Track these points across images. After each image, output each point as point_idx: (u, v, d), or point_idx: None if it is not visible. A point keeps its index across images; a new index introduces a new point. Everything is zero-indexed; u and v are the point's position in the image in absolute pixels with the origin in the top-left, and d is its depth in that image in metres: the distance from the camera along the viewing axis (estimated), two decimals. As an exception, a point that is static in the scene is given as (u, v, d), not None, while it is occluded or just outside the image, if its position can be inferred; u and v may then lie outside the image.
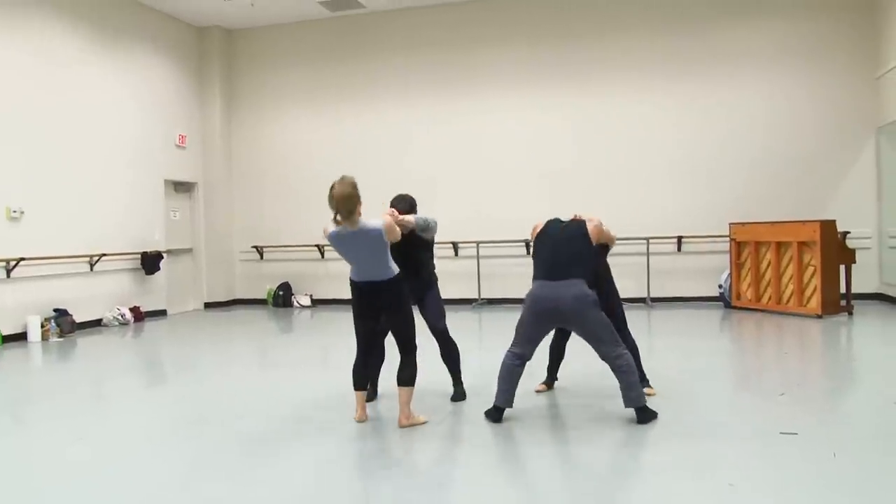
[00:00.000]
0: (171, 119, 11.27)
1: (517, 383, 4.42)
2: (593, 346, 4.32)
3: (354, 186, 4.08)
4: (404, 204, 4.82)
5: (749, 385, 5.42)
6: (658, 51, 10.58)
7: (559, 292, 4.18)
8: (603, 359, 4.30)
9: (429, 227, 4.71)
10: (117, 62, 10.25)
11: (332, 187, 4.07)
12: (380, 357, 4.97)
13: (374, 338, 4.48)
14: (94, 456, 3.98)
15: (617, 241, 5.14)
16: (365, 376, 4.46)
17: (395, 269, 4.30)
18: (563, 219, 4.56)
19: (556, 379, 5.23)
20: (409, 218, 4.62)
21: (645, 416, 4.26)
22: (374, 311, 4.32)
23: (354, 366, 4.44)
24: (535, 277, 4.36)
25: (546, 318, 4.32)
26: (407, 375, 4.36)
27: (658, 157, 10.59)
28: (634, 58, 10.65)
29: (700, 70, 10.47)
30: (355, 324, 4.40)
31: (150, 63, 10.89)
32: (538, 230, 4.53)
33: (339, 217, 4.07)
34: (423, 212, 4.96)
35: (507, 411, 4.44)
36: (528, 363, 4.46)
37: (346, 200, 4.04)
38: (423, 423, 4.41)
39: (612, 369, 4.28)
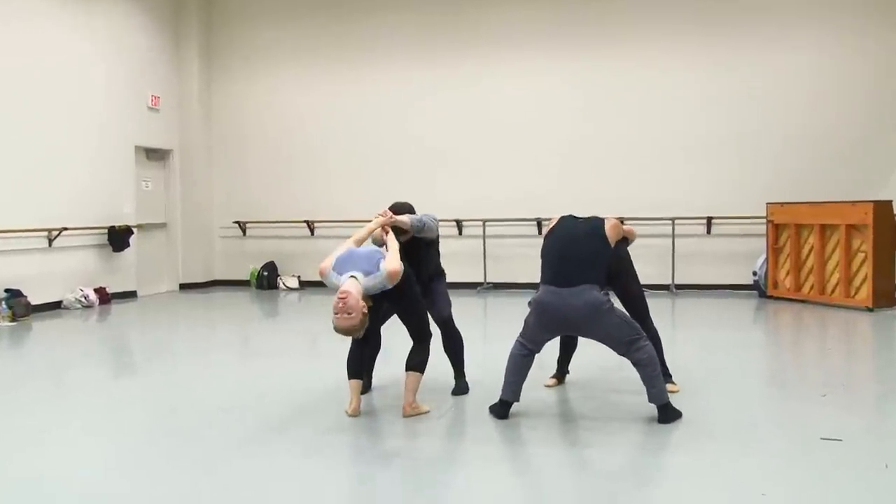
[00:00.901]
0: (142, 78, 11.19)
1: (525, 376, 4.42)
2: (611, 348, 4.31)
3: (354, 314, 4.04)
4: (401, 209, 4.83)
5: (786, 384, 5.40)
6: (686, 7, 10.45)
7: (568, 301, 4.14)
8: (622, 356, 4.30)
9: (425, 228, 4.73)
10: (79, 15, 10.15)
11: (333, 323, 4.09)
12: (375, 346, 5.00)
13: (371, 324, 4.47)
14: (54, 456, 3.97)
15: (638, 230, 5.09)
16: (360, 365, 4.53)
17: (402, 269, 4.34)
18: (578, 216, 4.53)
19: (568, 372, 5.22)
20: (403, 218, 4.65)
21: (667, 414, 4.24)
22: (375, 299, 4.33)
23: (349, 354, 4.50)
24: (542, 281, 4.31)
25: (554, 327, 4.33)
26: (418, 361, 4.43)
27: (685, 127, 10.51)
28: (659, 16, 10.53)
29: (735, 29, 10.35)
30: None
31: (117, 15, 10.79)
32: (550, 227, 4.50)
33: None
34: (426, 206, 4.94)
35: (514, 406, 4.44)
36: (538, 354, 4.46)
37: (352, 332, 4.14)
38: (426, 412, 4.47)
39: (632, 363, 4.27)
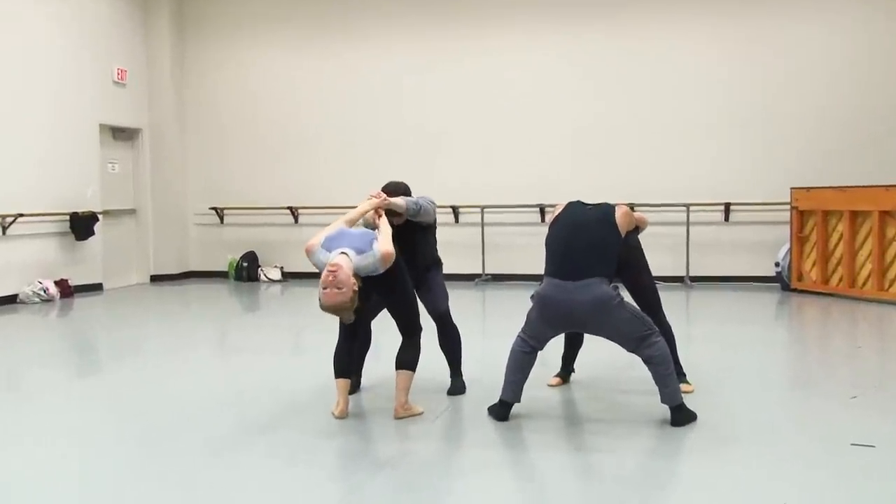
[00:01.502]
0: (106, 50, 11.09)
1: (527, 375, 4.42)
2: (620, 345, 4.31)
3: (345, 289, 4.03)
4: (395, 191, 4.79)
5: (812, 384, 5.41)
6: (708, -26, 10.43)
7: (574, 296, 4.13)
8: (633, 353, 4.30)
9: (421, 212, 4.71)
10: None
11: (320, 300, 4.06)
12: (365, 342, 5.00)
13: (360, 318, 4.48)
14: (5, 464, 3.93)
15: (649, 217, 5.09)
16: (348, 362, 4.52)
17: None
18: (586, 202, 4.50)
19: (573, 370, 5.22)
20: (398, 201, 4.62)
21: (681, 416, 4.24)
22: (363, 290, 4.32)
23: (336, 350, 4.49)
24: (547, 273, 4.31)
25: (558, 324, 4.34)
26: (409, 358, 4.43)
27: (702, 105, 10.48)
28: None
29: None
30: None
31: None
32: (555, 214, 4.47)
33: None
34: (421, 191, 4.93)
35: (515, 407, 4.44)
36: (541, 351, 4.47)
37: (341, 310, 4.10)
38: (420, 413, 4.48)
39: (643, 360, 4.27)
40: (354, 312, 4.22)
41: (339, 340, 4.50)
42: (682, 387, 4.64)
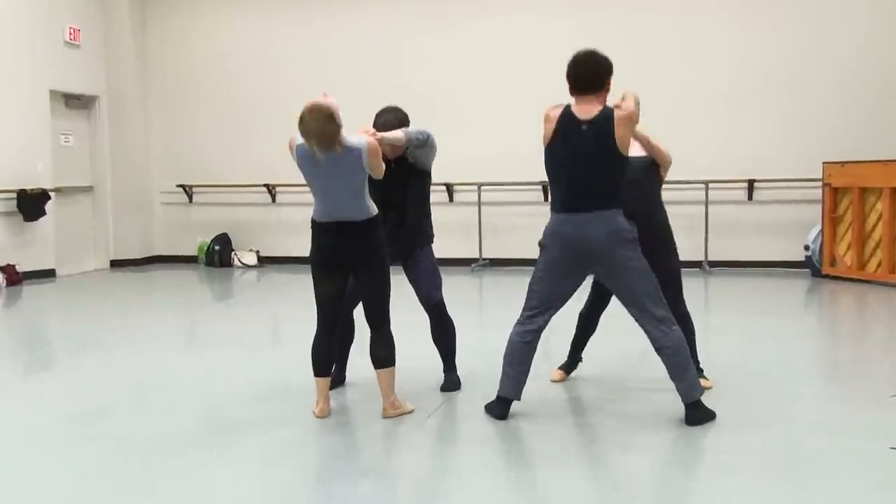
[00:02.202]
0: (56, 6, 10.99)
1: (528, 367, 4.42)
2: (632, 312, 4.29)
3: (332, 118, 4.11)
4: (391, 118, 4.77)
5: (846, 380, 5.42)
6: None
7: (586, 230, 4.17)
8: (644, 329, 4.28)
9: (429, 142, 4.68)
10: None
11: (303, 120, 4.12)
12: (348, 333, 5.01)
13: (340, 305, 4.51)
14: (-47, 462, 3.92)
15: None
16: (328, 357, 4.50)
17: (373, 208, 4.37)
18: (580, 118, 4.27)
19: (581, 359, 5.21)
20: (397, 133, 4.56)
21: (697, 415, 4.25)
22: (341, 266, 4.36)
23: (314, 345, 4.48)
24: (554, 209, 4.34)
25: (571, 265, 4.29)
26: (384, 354, 4.44)
27: (721, 70, 10.43)
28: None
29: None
30: (315, 286, 4.43)
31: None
32: (550, 129, 4.31)
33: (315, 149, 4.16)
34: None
35: (515, 405, 4.43)
36: (545, 338, 4.44)
37: (325, 138, 4.11)
38: (411, 411, 4.52)
39: (656, 349, 4.26)
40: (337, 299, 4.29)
41: (316, 334, 4.48)
42: (702, 382, 4.64)
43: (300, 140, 4.22)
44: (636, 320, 4.31)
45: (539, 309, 4.35)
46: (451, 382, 4.99)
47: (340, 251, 4.31)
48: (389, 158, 4.64)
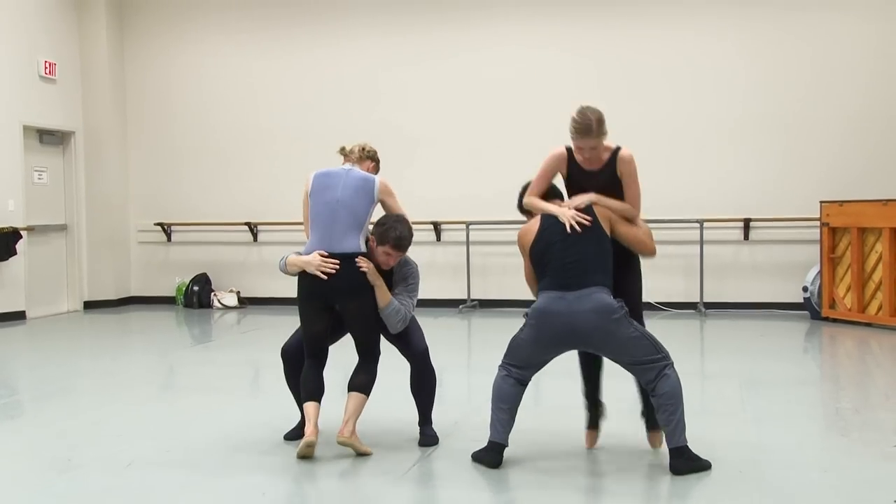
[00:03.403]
0: (30, 39, 10.98)
1: (515, 411, 4.43)
2: (632, 372, 4.35)
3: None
4: (397, 237, 4.78)
5: (848, 430, 5.36)
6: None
7: (575, 306, 4.24)
8: (644, 385, 4.33)
9: (400, 321, 4.77)
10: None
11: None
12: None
13: (325, 340, 4.76)
14: None
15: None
16: (319, 385, 4.70)
17: (364, 248, 4.68)
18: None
19: (602, 405, 4.83)
20: (385, 296, 4.71)
21: (683, 463, 4.22)
22: (328, 297, 4.60)
23: (304, 374, 4.71)
24: (542, 288, 4.41)
25: (557, 341, 4.35)
26: (363, 381, 4.63)
27: (718, 108, 10.49)
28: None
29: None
30: (302, 318, 4.71)
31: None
32: (530, 234, 4.55)
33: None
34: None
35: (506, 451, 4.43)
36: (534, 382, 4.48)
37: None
38: (368, 453, 4.62)
39: (650, 392, 4.29)
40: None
41: (306, 363, 4.70)
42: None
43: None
44: (634, 376, 4.38)
45: (521, 365, 4.42)
46: (429, 438, 4.92)
47: (330, 282, 4.51)
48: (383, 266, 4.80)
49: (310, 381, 4.65)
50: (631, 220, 4.61)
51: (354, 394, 4.58)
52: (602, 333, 4.23)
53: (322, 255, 4.57)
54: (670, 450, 4.24)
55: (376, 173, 5.03)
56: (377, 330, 4.71)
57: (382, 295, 4.68)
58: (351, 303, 4.60)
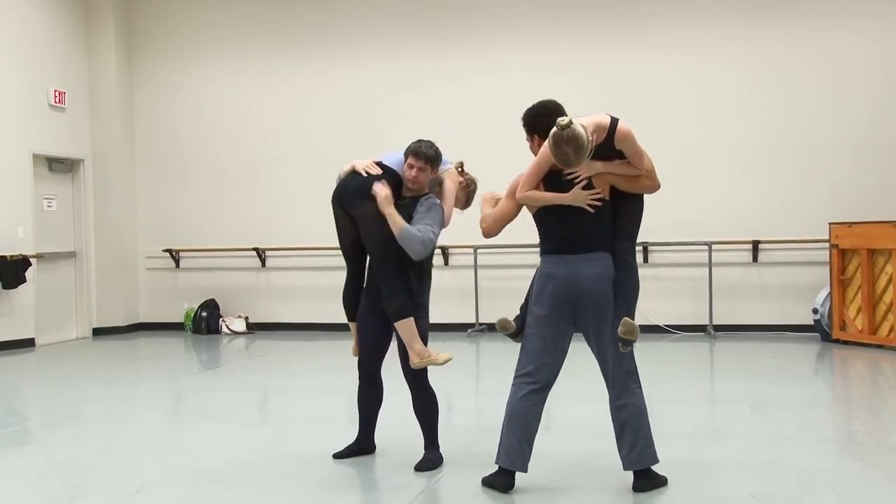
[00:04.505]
0: (41, 68, 11.08)
1: (534, 432, 4.28)
2: (605, 369, 4.29)
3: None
4: (415, 147, 5.36)
5: (860, 452, 5.32)
6: (730, -18, 10.55)
7: (580, 269, 4.26)
8: (610, 390, 4.29)
9: (418, 243, 4.88)
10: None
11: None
12: (377, 396, 5.08)
13: (361, 255, 5.03)
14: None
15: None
16: (357, 302, 5.04)
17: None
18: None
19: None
20: (397, 221, 4.83)
21: (646, 482, 4.24)
22: (343, 201, 4.97)
23: (344, 293, 5.08)
24: (544, 251, 4.44)
25: (559, 308, 4.28)
26: (395, 307, 4.78)
27: (727, 129, 10.51)
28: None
29: (789, 9, 10.41)
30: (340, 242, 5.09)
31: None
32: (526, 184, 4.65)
33: None
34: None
35: (521, 479, 4.33)
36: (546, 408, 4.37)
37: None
38: (445, 361, 4.77)
39: (615, 409, 4.26)
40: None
41: (346, 281, 5.07)
42: None
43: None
44: (604, 378, 4.31)
45: (537, 365, 4.30)
46: (432, 460, 4.86)
47: (344, 183, 5.19)
48: (407, 195, 5.14)
49: (349, 298, 5.06)
50: (635, 175, 4.68)
51: (398, 323, 4.75)
52: (597, 301, 4.21)
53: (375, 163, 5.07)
54: (634, 472, 4.25)
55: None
56: (392, 249, 4.80)
57: (394, 222, 4.80)
58: (359, 207, 4.88)
